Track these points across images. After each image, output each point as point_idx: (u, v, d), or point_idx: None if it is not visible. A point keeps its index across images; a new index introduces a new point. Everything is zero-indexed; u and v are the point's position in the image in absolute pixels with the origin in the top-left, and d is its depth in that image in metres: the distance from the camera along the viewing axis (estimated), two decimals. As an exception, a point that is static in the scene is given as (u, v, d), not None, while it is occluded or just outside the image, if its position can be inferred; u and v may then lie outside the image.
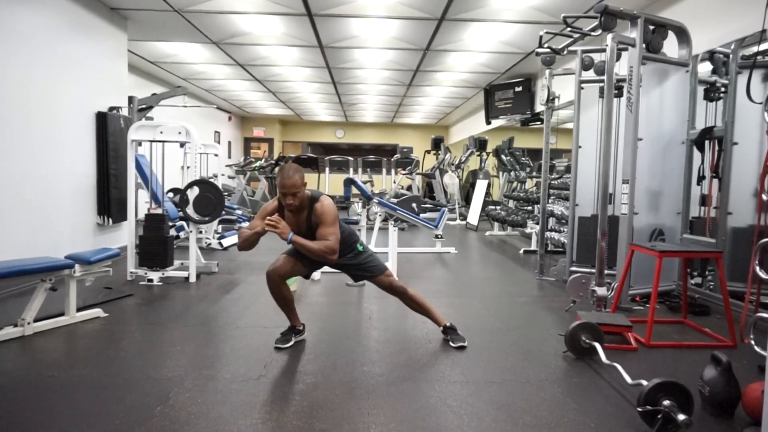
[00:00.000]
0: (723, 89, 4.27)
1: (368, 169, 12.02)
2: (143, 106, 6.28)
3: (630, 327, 3.04)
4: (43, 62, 4.49)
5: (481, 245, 7.46)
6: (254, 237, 2.71)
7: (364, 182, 9.58)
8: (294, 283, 4.21)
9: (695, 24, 4.06)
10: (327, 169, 12.61)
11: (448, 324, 3.05)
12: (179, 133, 4.51)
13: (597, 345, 2.69)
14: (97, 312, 3.39)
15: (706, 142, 4.19)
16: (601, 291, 3.37)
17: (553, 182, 5.98)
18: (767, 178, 2.85)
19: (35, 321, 3.02)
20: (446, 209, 7.02)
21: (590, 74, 4.54)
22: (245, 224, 8.24)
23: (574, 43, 4.34)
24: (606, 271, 3.50)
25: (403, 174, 11.44)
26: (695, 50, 4.08)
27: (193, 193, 4.46)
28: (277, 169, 12.16)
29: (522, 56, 7.32)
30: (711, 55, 4.30)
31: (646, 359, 2.84)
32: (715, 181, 4.12)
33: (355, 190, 6.21)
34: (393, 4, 5.42)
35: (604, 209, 3.50)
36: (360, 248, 2.95)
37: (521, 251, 6.70)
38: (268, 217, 2.66)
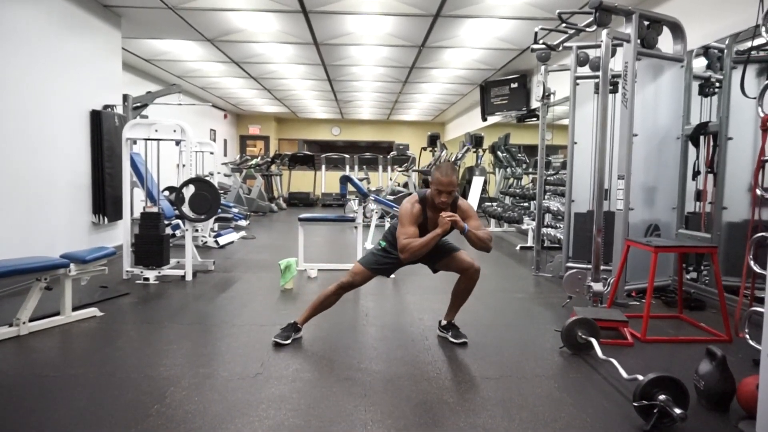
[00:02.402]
0: (717, 84, 4.28)
1: (364, 167, 12.03)
2: (138, 104, 6.26)
3: (626, 322, 3.05)
4: (36, 60, 4.45)
5: (477, 242, 7.46)
6: (434, 240, 2.70)
7: (361, 180, 9.58)
8: (290, 281, 4.21)
9: (690, 19, 4.07)
10: (323, 167, 12.60)
11: (452, 321, 3.05)
12: (174, 131, 4.49)
13: (593, 340, 2.70)
14: (92, 311, 3.38)
15: (701, 138, 4.20)
16: (597, 286, 3.38)
17: (549, 178, 5.98)
18: (761, 173, 2.86)
19: (30, 320, 3.01)
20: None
21: (585, 70, 4.55)
22: (242, 222, 8.24)
23: (569, 39, 4.36)
24: (602, 267, 3.51)
25: (400, 171, 11.44)
26: (690, 46, 4.09)
27: (188, 191, 4.44)
28: (273, 166, 12.15)
29: (517, 52, 7.31)
30: (705, 51, 4.31)
31: (642, 354, 2.85)
32: (710, 177, 4.14)
33: (351, 188, 6.20)
34: (388, 1, 5.41)
35: (600, 205, 3.51)
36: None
37: (518, 247, 6.71)
38: (445, 213, 2.65)
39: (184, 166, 4.71)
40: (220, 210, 5.96)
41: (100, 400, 2.19)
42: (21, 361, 2.67)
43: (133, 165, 4.65)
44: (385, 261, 2.91)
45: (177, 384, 2.34)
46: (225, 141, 14.45)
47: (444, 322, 3.06)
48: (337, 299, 2.92)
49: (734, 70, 3.83)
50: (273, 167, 12.26)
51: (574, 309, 3.18)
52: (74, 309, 3.27)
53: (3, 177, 4.05)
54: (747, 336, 2.62)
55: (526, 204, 7.76)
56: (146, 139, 4.58)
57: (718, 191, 3.97)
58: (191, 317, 3.47)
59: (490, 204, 8.70)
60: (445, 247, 2.94)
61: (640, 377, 2.07)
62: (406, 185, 11.57)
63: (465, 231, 2.69)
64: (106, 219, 5.37)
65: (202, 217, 4.52)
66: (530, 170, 9.12)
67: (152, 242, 4.36)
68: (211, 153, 8.54)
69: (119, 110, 5.79)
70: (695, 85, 4.40)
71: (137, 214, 4.62)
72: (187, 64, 8.61)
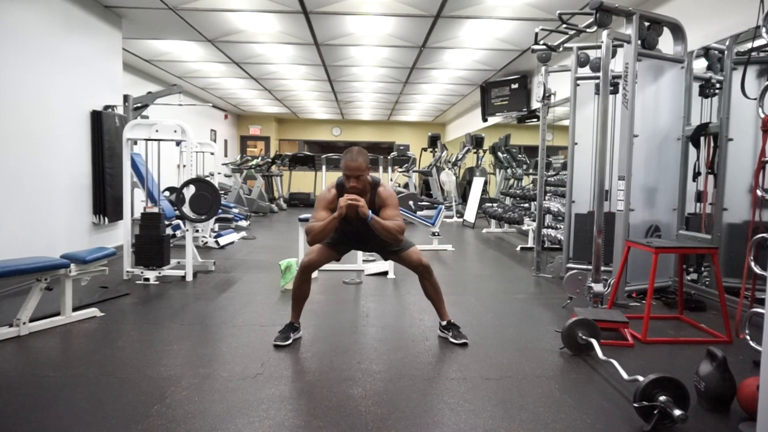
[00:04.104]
0: (718, 85, 4.28)
1: (365, 167, 11.98)
2: (138, 105, 6.25)
3: (626, 323, 3.05)
4: (37, 61, 4.46)
5: (478, 242, 7.47)
6: (333, 224, 2.67)
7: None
8: (291, 282, 4.21)
9: (690, 20, 4.07)
10: (324, 167, 12.59)
11: (451, 320, 3.05)
12: (175, 131, 4.49)
13: (593, 341, 2.70)
14: (93, 311, 3.38)
15: (702, 139, 4.20)
16: (598, 287, 3.38)
17: (549, 179, 5.98)
18: (762, 174, 2.86)
19: (31, 321, 3.01)
20: (443, 207, 7.02)
21: (586, 71, 4.55)
22: (242, 223, 8.25)
23: (570, 40, 4.36)
24: (602, 268, 3.51)
25: (400, 172, 11.44)
26: (690, 47, 4.09)
27: (189, 191, 4.44)
28: (273, 167, 12.16)
29: (518, 53, 7.32)
30: (706, 52, 4.31)
31: (643, 355, 2.85)
32: (711, 178, 4.14)
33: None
34: (388, 2, 5.41)
35: (601, 206, 3.50)
36: None
37: (518, 248, 6.71)
38: (348, 195, 2.63)
39: (184, 166, 4.71)
40: (220, 210, 5.96)
41: (101, 400, 2.19)
42: (21, 362, 2.67)
43: (134, 165, 4.65)
44: (333, 236, 2.89)
45: (177, 384, 2.34)
46: (225, 141, 14.45)
47: (444, 323, 3.05)
48: (308, 284, 2.90)
49: (735, 71, 3.83)
50: (273, 168, 12.26)
51: (575, 310, 3.18)
52: (74, 309, 3.28)
53: (3, 177, 4.05)
54: (747, 337, 2.62)
55: (526, 205, 7.75)
56: (147, 140, 4.58)
57: (718, 192, 3.97)
58: (191, 317, 3.47)
59: (490, 205, 8.70)
60: (380, 239, 2.89)
61: (641, 378, 2.06)
62: (406, 186, 11.57)
63: (368, 219, 2.65)
64: (106, 219, 5.37)
65: (203, 217, 4.52)
66: (531, 171, 9.13)
67: (153, 243, 4.36)
68: (212, 153, 8.54)
69: (120, 111, 5.79)
70: (696, 86, 4.40)
71: (138, 215, 4.62)
72: (187, 65, 8.61)
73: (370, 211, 2.67)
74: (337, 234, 2.91)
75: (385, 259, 3.17)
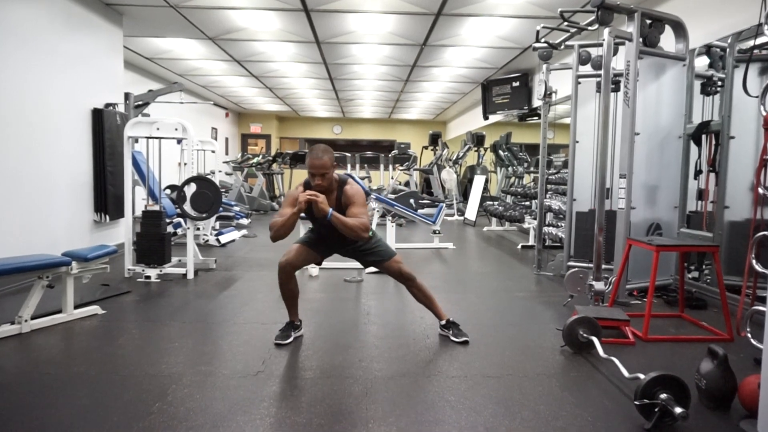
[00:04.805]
0: (720, 83, 4.27)
1: (366, 165, 12.02)
2: (139, 103, 6.25)
3: (627, 321, 3.05)
4: (37, 59, 4.46)
5: (479, 241, 7.47)
6: (293, 219, 2.66)
7: (362, 178, 9.57)
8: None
9: (692, 18, 4.06)
10: (324, 165, 12.54)
11: (450, 319, 3.05)
12: (176, 129, 4.49)
13: (594, 339, 2.70)
14: (94, 309, 3.38)
15: (703, 136, 4.20)
16: (599, 285, 3.38)
17: (550, 177, 5.97)
18: (763, 171, 2.85)
19: (32, 318, 3.02)
20: (444, 205, 7.02)
21: (587, 69, 4.54)
22: (243, 221, 8.25)
23: (571, 38, 4.35)
24: (603, 266, 3.51)
25: (401, 170, 11.44)
26: (692, 44, 4.08)
27: (190, 189, 4.44)
28: (274, 165, 12.15)
29: (519, 51, 7.30)
30: (708, 49, 4.30)
31: (644, 353, 2.85)
32: (712, 175, 4.13)
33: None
34: (390, 0, 5.40)
35: (602, 204, 3.50)
36: (370, 233, 2.93)
37: (519, 246, 6.71)
38: (307, 191, 2.63)
39: (185, 164, 4.71)
40: (221, 208, 5.96)
41: (102, 397, 2.20)
42: (23, 359, 2.68)
43: (135, 163, 4.65)
44: (311, 236, 2.92)
45: (178, 382, 2.34)
46: (226, 139, 14.46)
47: (443, 322, 3.05)
48: (291, 282, 2.87)
49: (736, 68, 3.82)
50: (274, 166, 12.26)
51: (576, 308, 3.17)
52: (76, 307, 3.28)
53: (4, 175, 4.06)
54: (749, 335, 2.61)
55: (527, 203, 7.75)
56: (148, 138, 4.58)
57: (719, 190, 3.96)
58: (193, 315, 3.47)
59: (491, 203, 8.69)
60: (364, 251, 2.95)
61: (642, 376, 2.06)
62: (407, 184, 11.56)
63: (328, 216, 2.63)
64: (107, 217, 5.38)
65: (204, 215, 4.52)
66: (531, 169, 9.12)
67: (154, 240, 4.36)
68: (213, 151, 8.55)
69: (121, 108, 5.79)
70: (697, 84, 4.39)
71: (139, 213, 4.63)
72: (188, 63, 8.61)
73: (330, 209, 2.64)
74: (314, 234, 2.92)
75: (365, 267, 3.18)
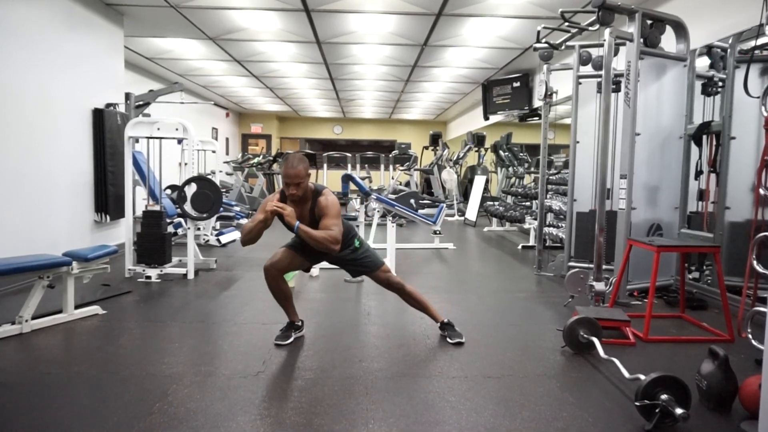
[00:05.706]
0: (720, 84, 4.27)
1: (366, 165, 12.00)
2: (140, 103, 6.25)
3: (628, 322, 3.05)
4: (38, 59, 4.46)
5: (479, 241, 7.47)
6: (259, 226, 2.67)
7: (362, 178, 9.57)
8: (292, 280, 4.21)
9: (693, 18, 4.05)
10: (325, 165, 12.58)
11: (445, 320, 3.05)
12: (176, 129, 4.50)
13: (595, 340, 2.70)
14: (95, 309, 3.39)
15: (704, 137, 4.19)
16: (599, 286, 3.38)
17: (551, 178, 5.98)
18: (764, 172, 2.85)
19: (33, 318, 3.02)
20: (444, 205, 7.01)
21: (588, 69, 4.53)
22: (243, 221, 8.25)
23: (572, 38, 4.34)
24: (604, 266, 3.51)
25: (401, 170, 11.42)
26: (693, 45, 4.08)
27: (190, 189, 4.45)
28: (275, 165, 12.16)
29: (520, 51, 7.30)
30: (709, 50, 4.30)
31: (644, 354, 2.85)
32: (713, 176, 4.12)
33: (353, 186, 6.20)
34: (390, 0, 5.41)
35: (602, 204, 3.50)
36: (357, 244, 2.94)
37: (519, 247, 6.71)
38: (274, 202, 2.65)
39: (186, 164, 4.71)
40: (222, 209, 5.96)
41: (103, 397, 2.20)
42: (24, 359, 2.68)
43: (135, 163, 4.65)
44: (297, 241, 2.90)
45: (179, 382, 2.34)
46: (227, 139, 14.46)
47: (439, 323, 3.06)
48: (281, 283, 2.86)
49: (737, 69, 3.82)
50: (275, 166, 12.26)
51: (576, 308, 3.17)
52: (76, 307, 3.28)
53: (5, 175, 4.06)
54: (749, 336, 2.61)
55: (528, 203, 7.75)
56: (148, 138, 4.58)
57: (720, 191, 3.96)
58: (193, 315, 3.48)
59: (492, 203, 8.69)
60: (350, 261, 2.95)
61: (642, 377, 2.06)
62: (408, 184, 11.56)
63: (294, 228, 2.64)
64: (108, 217, 5.38)
65: (204, 215, 4.52)
66: (532, 169, 9.12)
67: (154, 240, 4.37)
68: (213, 151, 8.54)
69: (121, 108, 5.79)
70: (698, 85, 4.39)
71: (139, 213, 4.63)
72: (189, 63, 8.61)
73: (297, 222, 2.64)
74: (298, 239, 2.88)
75: (353, 276, 3.29)
